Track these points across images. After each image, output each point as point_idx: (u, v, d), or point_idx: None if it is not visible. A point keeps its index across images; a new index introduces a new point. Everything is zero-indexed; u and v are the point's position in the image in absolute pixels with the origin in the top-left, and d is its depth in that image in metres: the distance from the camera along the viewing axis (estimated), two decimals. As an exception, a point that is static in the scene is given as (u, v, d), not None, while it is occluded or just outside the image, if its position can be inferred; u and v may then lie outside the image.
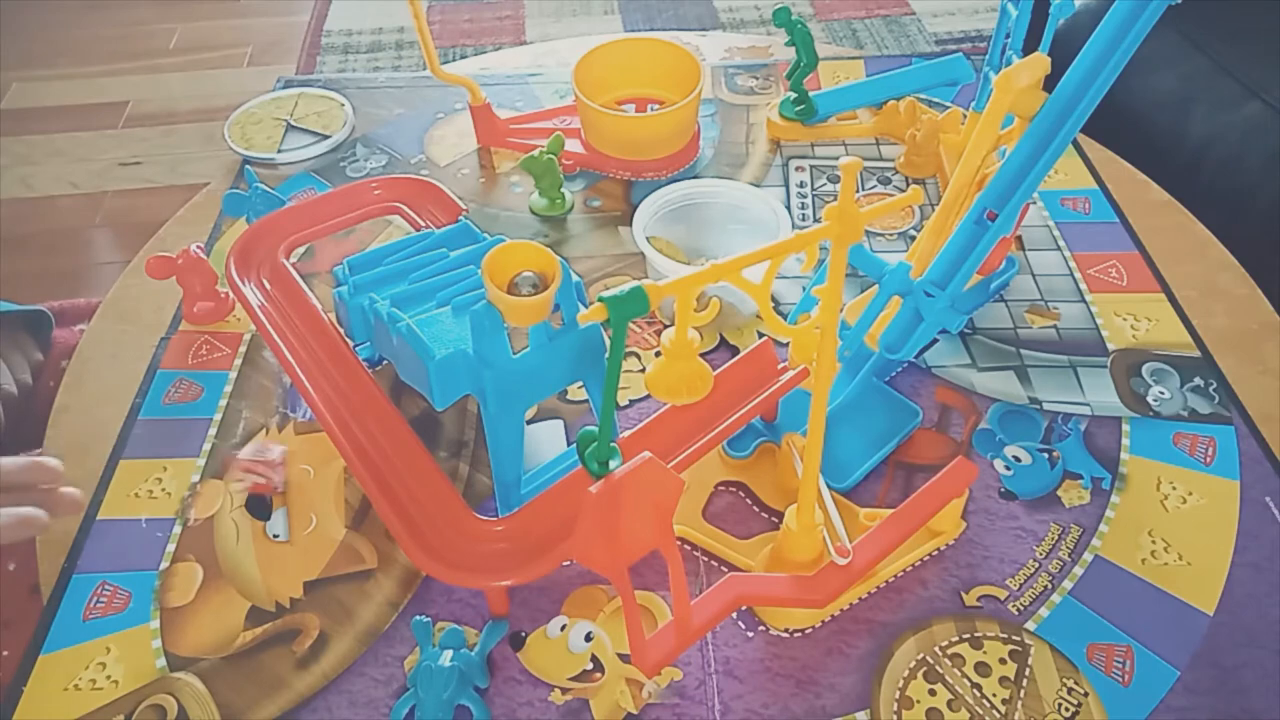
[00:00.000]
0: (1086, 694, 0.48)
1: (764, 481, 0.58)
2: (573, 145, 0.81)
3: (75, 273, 1.54)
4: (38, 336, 0.91)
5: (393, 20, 2.12)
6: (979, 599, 0.52)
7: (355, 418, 0.55)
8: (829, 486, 0.54)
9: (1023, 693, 0.48)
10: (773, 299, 0.67)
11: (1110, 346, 0.65)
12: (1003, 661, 0.49)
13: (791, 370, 0.56)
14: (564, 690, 0.49)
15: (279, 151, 0.83)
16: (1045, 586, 0.53)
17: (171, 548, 0.55)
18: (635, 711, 0.48)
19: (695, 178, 0.78)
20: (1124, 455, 0.59)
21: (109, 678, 0.50)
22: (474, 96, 0.81)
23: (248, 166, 0.79)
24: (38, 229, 1.61)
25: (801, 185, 0.79)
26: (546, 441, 0.60)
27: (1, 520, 0.48)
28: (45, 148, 1.78)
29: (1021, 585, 0.53)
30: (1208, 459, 0.58)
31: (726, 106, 0.88)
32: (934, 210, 0.59)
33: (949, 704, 0.48)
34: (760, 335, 0.65)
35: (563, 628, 0.51)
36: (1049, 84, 0.51)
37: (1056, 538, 0.55)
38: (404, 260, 0.58)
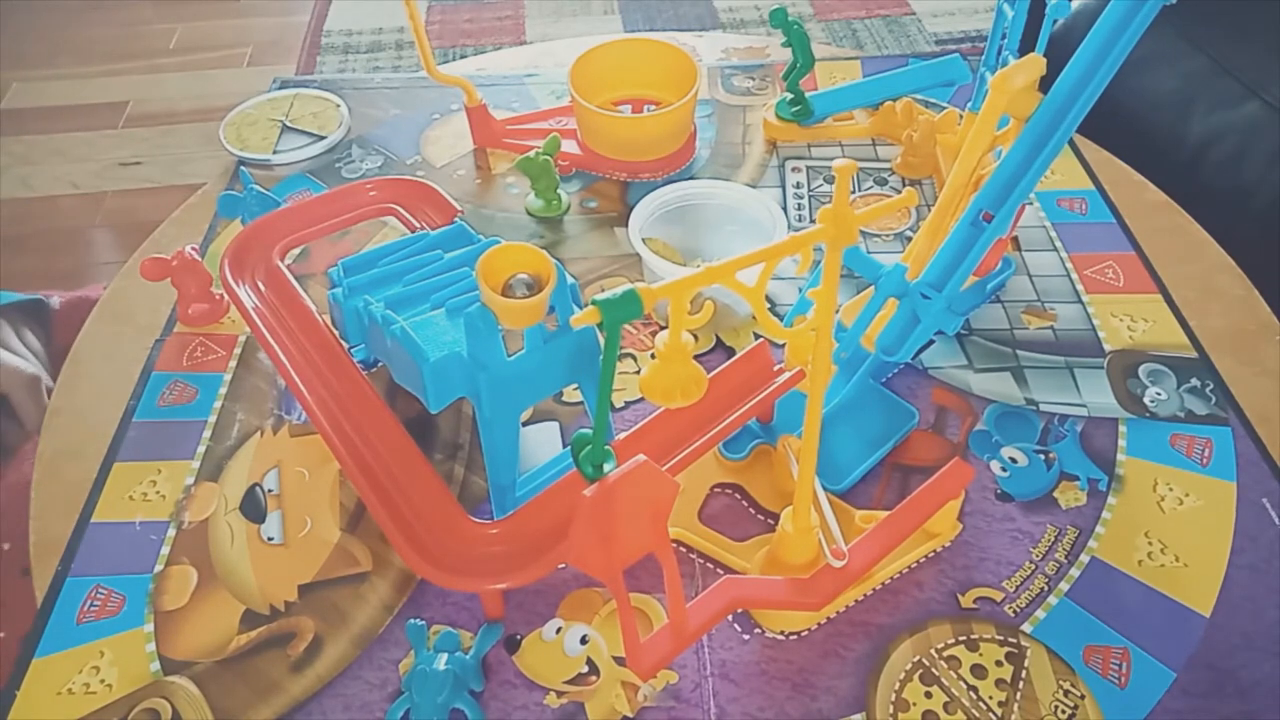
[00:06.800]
0: (1083, 696, 0.48)
1: (760, 484, 0.58)
2: (569, 146, 0.80)
3: (75, 273, 1.54)
4: (41, 325, 0.92)
5: (393, 20, 2.12)
6: (975, 601, 0.52)
7: (350, 420, 0.55)
8: (825, 488, 0.54)
9: (1019, 695, 0.48)
10: (769, 300, 0.67)
11: (1107, 347, 0.65)
12: (999, 664, 0.49)
13: (788, 372, 0.56)
14: (559, 694, 0.49)
15: (274, 153, 0.83)
16: (1041, 588, 0.52)
17: (166, 551, 0.55)
18: (631, 715, 0.48)
19: (691, 179, 0.78)
20: (1120, 456, 0.59)
21: (103, 681, 0.50)
22: (469, 98, 0.80)
23: (242, 168, 0.79)
24: (38, 229, 1.61)
25: (798, 186, 0.79)
26: (542, 444, 0.60)
27: None
28: (45, 148, 1.78)
29: (1018, 587, 0.52)
30: (1204, 460, 0.58)
31: (723, 107, 0.88)
32: (930, 211, 0.58)
33: (945, 706, 0.48)
34: (757, 337, 0.65)
35: (558, 631, 0.51)
36: (1045, 85, 0.50)
37: (1053, 539, 0.55)
38: (399, 262, 0.58)
